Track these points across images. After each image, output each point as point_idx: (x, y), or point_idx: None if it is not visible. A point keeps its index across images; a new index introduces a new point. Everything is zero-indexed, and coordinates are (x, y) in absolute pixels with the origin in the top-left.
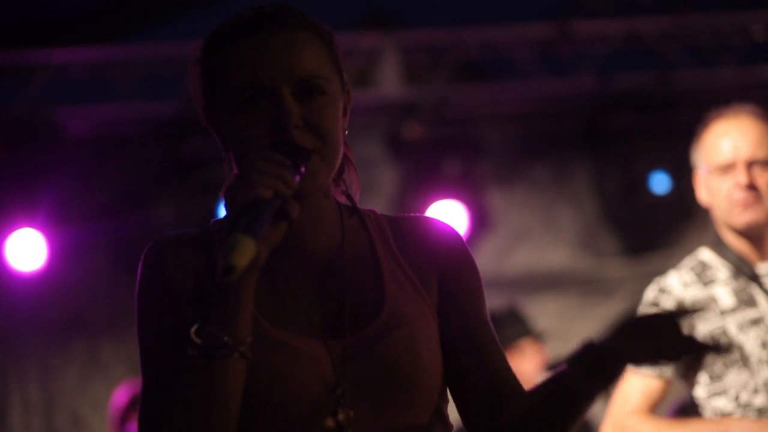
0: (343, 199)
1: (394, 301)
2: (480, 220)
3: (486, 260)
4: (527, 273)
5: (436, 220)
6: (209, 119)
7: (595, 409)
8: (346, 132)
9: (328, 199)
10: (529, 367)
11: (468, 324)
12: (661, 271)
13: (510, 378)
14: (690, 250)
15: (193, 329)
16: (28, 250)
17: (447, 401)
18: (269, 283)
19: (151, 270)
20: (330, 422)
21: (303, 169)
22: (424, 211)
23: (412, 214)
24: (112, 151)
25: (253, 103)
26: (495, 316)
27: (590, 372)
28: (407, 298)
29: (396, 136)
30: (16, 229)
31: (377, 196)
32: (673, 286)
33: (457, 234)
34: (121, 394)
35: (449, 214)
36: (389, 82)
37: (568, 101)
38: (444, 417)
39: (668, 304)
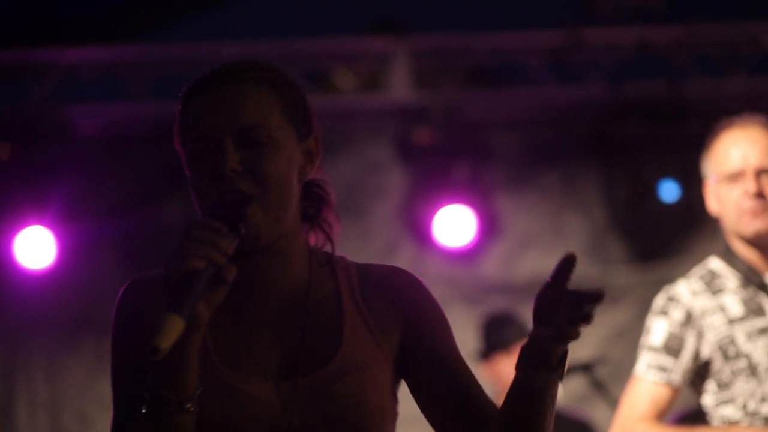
0: (321, 242)
1: (350, 349)
2: (488, 226)
3: (493, 266)
4: (534, 279)
5: (402, 270)
6: (183, 161)
7: (601, 416)
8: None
9: (295, 241)
10: None
11: (441, 356)
12: (669, 280)
13: (488, 404)
14: (698, 258)
15: (144, 389)
16: (37, 247)
17: None
18: (233, 323)
19: (123, 313)
20: None
21: (243, 231)
22: (432, 216)
23: (380, 264)
24: (122, 150)
25: (201, 154)
26: (493, 319)
27: (538, 366)
28: (363, 347)
29: (406, 141)
30: (26, 226)
31: (386, 200)
32: (682, 295)
33: (419, 283)
34: None
35: (458, 218)
36: (400, 86)
37: (578, 109)
38: None
39: (677, 313)
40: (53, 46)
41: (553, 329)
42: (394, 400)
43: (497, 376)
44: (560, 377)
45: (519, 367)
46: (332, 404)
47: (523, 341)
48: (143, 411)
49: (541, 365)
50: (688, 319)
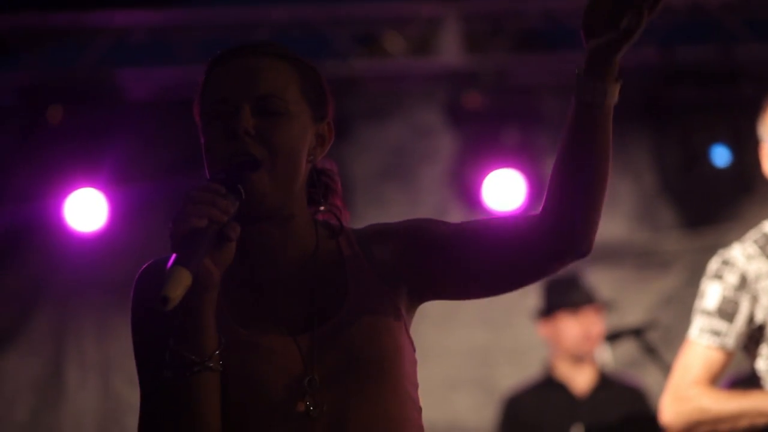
0: (331, 219)
1: (356, 297)
2: (538, 190)
3: None
4: None
5: (391, 222)
6: (199, 126)
7: (652, 380)
8: (312, 160)
9: (301, 214)
10: (594, 333)
11: (451, 242)
12: (719, 245)
13: (513, 216)
14: (749, 224)
15: (166, 353)
16: (89, 210)
17: (416, 386)
18: (244, 292)
19: (140, 294)
20: (300, 408)
21: (243, 194)
22: (482, 180)
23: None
24: (171, 113)
25: (217, 116)
26: (561, 280)
27: (602, 75)
28: (369, 294)
29: (455, 105)
30: (77, 189)
31: (436, 164)
32: (737, 259)
33: (405, 220)
34: None
35: (507, 183)
36: (449, 50)
37: (628, 73)
38: (413, 401)
39: (732, 277)
40: (103, 9)
41: (615, 30)
42: (409, 342)
43: (558, 335)
44: (615, 86)
45: (580, 81)
46: (348, 348)
47: (593, 305)
48: (167, 375)
49: (605, 73)
50: (743, 283)
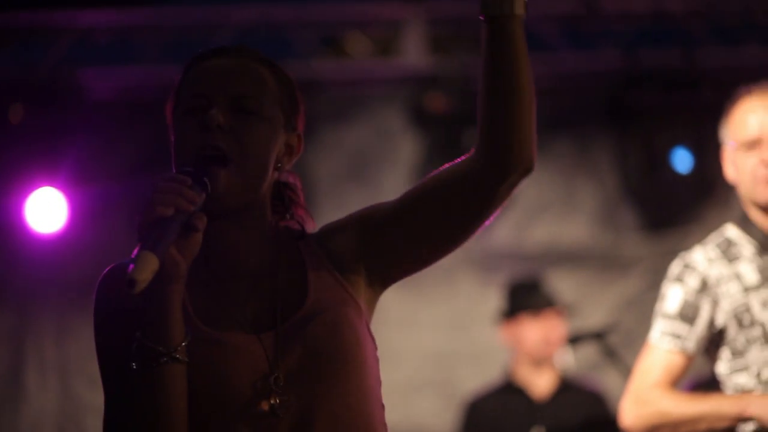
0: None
1: (316, 294)
2: None
3: (505, 233)
4: (546, 247)
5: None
6: (171, 124)
7: (613, 383)
8: (284, 170)
9: (263, 217)
10: (554, 336)
11: (396, 209)
12: (681, 249)
13: (453, 164)
14: (710, 228)
15: (133, 345)
16: (49, 210)
17: (380, 382)
18: (207, 291)
19: (103, 295)
20: (265, 406)
21: (209, 187)
22: None
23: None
24: (134, 113)
25: (192, 110)
26: (522, 283)
27: None
28: (328, 289)
29: (419, 107)
30: (37, 189)
31: (399, 167)
32: (698, 262)
33: (352, 213)
34: None
35: None
36: (413, 52)
37: (592, 76)
38: (377, 397)
39: (693, 281)
40: (66, 8)
41: None
42: (371, 338)
43: (519, 338)
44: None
45: (485, 12)
46: (310, 343)
47: (554, 308)
48: (134, 366)
49: None
50: (704, 287)
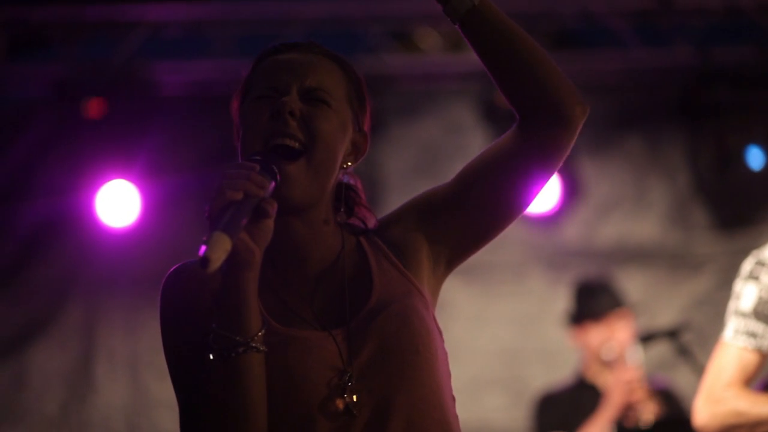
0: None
1: (381, 287)
2: (571, 190)
3: (575, 230)
4: (616, 245)
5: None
6: (237, 115)
7: (685, 382)
8: (348, 169)
9: (327, 218)
10: (619, 338)
11: (456, 186)
12: (753, 248)
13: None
14: None
15: (210, 337)
16: (121, 204)
17: (449, 375)
18: (276, 292)
19: (169, 295)
20: (340, 405)
21: (278, 176)
22: None
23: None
24: (206, 107)
25: (265, 98)
26: (587, 286)
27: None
28: (392, 282)
29: (489, 102)
30: (110, 182)
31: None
32: None
33: (407, 201)
34: None
35: None
36: None
37: (664, 73)
38: (448, 387)
39: (766, 278)
40: (138, 2)
41: None
42: (437, 328)
43: (586, 343)
44: None
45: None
46: (380, 338)
47: (617, 311)
48: (211, 357)
49: None
50: None
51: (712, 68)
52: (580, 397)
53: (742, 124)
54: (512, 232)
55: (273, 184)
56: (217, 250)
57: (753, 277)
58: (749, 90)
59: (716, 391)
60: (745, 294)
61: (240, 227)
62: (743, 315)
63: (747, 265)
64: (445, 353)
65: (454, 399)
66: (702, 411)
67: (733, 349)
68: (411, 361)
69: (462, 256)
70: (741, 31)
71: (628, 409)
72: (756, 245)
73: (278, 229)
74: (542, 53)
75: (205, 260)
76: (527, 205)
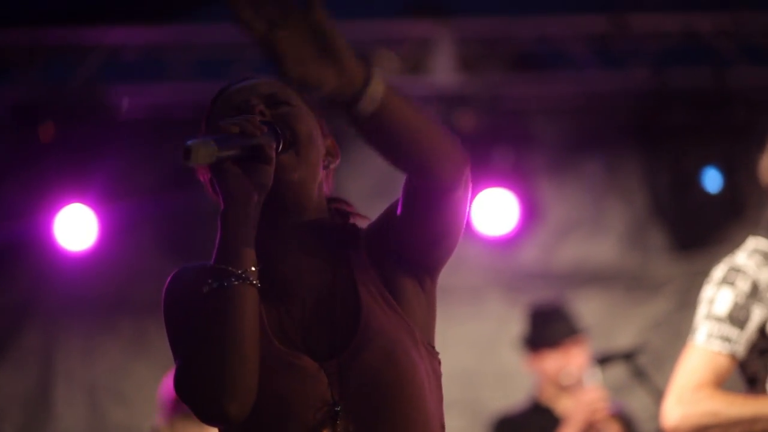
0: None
1: (369, 315)
2: (529, 212)
3: (534, 252)
4: (574, 267)
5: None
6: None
7: (641, 404)
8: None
9: (318, 216)
10: (576, 363)
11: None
12: (709, 269)
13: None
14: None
15: (207, 274)
16: (79, 227)
17: (441, 399)
18: (273, 294)
19: (173, 293)
20: None
21: (281, 134)
22: (473, 200)
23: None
24: (164, 131)
25: (228, 115)
26: (543, 313)
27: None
28: (380, 310)
29: (448, 125)
30: (67, 206)
31: None
32: (748, 266)
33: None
34: (170, 382)
35: (499, 204)
36: (442, 71)
37: (621, 95)
38: (437, 419)
39: (744, 284)
40: (95, 25)
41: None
42: (427, 354)
43: (542, 370)
44: (373, 91)
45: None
46: (368, 374)
47: (573, 338)
48: (207, 289)
49: (349, 97)
50: (755, 291)
51: (669, 91)
52: (537, 420)
53: (699, 147)
54: (470, 254)
55: (274, 144)
56: (201, 147)
57: (728, 282)
58: (706, 112)
59: (688, 393)
60: (719, 299)
61: (231, 147)
62: (717, 319)
63: (719, 272)
64: (438, 376)
65: (443, 426)
66: (672, 412)
67: (705, 352)
68: (396, 397)
69: (434, 262)
70: (697, 53)
71: (590, 429)
72: (713, 267)
73: (274, 242)
74: (428, 128)
75: (187, 150)
76: (458, 221)
